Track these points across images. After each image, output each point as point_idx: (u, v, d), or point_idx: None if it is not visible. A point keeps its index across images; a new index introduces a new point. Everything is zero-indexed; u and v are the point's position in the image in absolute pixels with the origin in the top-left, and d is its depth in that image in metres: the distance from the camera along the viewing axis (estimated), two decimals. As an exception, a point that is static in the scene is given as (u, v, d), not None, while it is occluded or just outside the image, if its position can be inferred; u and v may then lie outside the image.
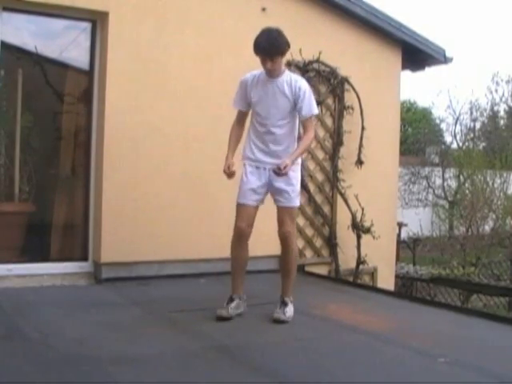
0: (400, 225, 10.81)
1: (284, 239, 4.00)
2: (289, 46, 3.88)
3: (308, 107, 3.90)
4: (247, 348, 3.44)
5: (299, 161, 4.01)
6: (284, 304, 3.98)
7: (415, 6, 36.45)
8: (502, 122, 18.31)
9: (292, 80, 3.91)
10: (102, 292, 4.79)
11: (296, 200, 4.02)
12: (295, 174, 3.97)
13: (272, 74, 3.88)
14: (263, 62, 3.82)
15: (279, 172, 3.73)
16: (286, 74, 3.95)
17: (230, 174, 3.90)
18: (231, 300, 3.98)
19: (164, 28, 5.29)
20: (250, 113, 4.08)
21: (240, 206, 3.94)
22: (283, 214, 3.98)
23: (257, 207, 3.99)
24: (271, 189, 3.97)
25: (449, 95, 20.75)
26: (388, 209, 6.70)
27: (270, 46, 3.77)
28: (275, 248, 5.83)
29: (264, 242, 5.70)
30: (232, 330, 3.74)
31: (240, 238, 3.96)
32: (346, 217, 6.19)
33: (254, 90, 3.95)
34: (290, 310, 3.98)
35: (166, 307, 4.27)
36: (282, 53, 3.84)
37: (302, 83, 3.93)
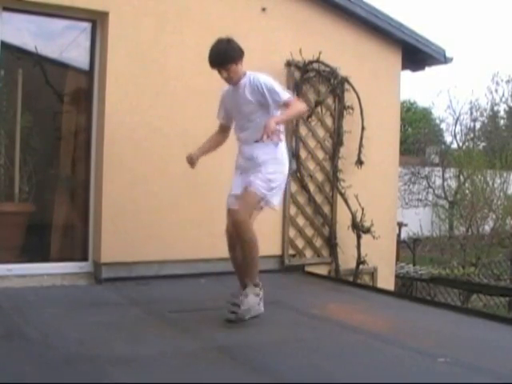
0: (400, 225, 10.81)
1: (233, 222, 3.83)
2: (242, 52, 3.86)
3: (277, 99, 3.78)
4: (247, 348, 3.44)
5: (278, 157, 3.88)
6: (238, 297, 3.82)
7: (415, 5, 36.48)
8: (501, 121, 18.32)
9: (251, 80, 3.84)
10: (102, 292, 4.79)
11: (261, 188, 3.79)
12: (269, 171, 3.82)
13: (230, 82, 3.90)
14: (219, 73, 3.86)
15: (267, 131, 3.58)
16: (246, 76, 3.88)
17: (190, 162, 4.01)
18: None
19: (164, 28, 5.30)
20: None
21: (227, 211, 3.95)
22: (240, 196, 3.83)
23: None
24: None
25: (449, 95, 20.73)
26: (388, 209, 6.70)
27: (217, 56, 3.81)
28: (275, 248, 5.89)
29: (264, 242, 5.69)
30: (232, 330, 3.73)
31: (229, 240, 3.95)
32: (346, 217, 6.19)
33: (227, 102, 4.03)
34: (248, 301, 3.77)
35: (165, 307, 4.27)
36: (233, 60, 3.81)
37: (260, 79, 3.82)
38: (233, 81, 3.89)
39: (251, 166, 3.87)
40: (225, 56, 3.80)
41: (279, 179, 3.91)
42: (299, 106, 3.88)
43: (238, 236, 3.81)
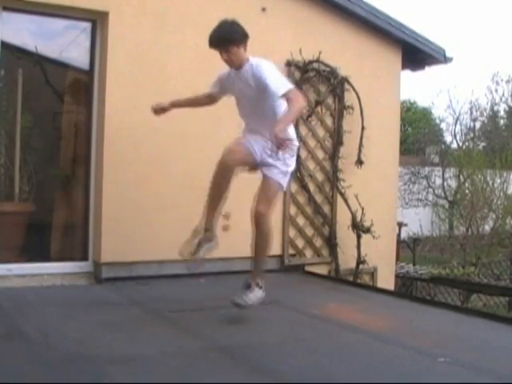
0: (400, 225, 10.81)
1: (254, 219, 3.81)
2: (245, 36, 3.82)
3: (277, 87, 3.63)
4: (247, 348, 3.44)
5: (293, 137, 3.81)
6: (248, 287, 3.87)
7: (415, 5, 36.47)
8: (502, 121, 18.34)
9: (253, 66, 3.77)
10: (102, 292, 4.79)
11: (281, 180, 3.84)
12: (287, 156, 3.82)
13: (231, 65, 3.84)
14: (220, 55, 3.80)
15: (278, 141, 3.43)
16: (250, 61, 3.82)
17: (155, 109, 4.12)
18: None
19: (164, 28, 5.30)
20: None
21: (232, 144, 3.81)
22: (261, 189, 3.82)
23: (248, 156, 3.81)
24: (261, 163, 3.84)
25: (449, 95, 20.78)
26: (388, 209, 6.70)
27: (219, 36, 3.76)
28: (275, 248, 5.87)
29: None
30: (232, 330, 3.74)
31: (223, 171, 3.75)
32: (346, 217, 6.19)
33: (227, 84, 3.95)
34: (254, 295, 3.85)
35: (165, 307, 4.27)
36: (235, 42, 3.75)
37: (263, 66, 3.73)
38: (234, 64, 3.83)
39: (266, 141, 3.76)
40: (226, 37, 3.76)
41: (293, 162, 3.96)
42: (299, 101, 3.68)
43: (257, 227, 3.80)
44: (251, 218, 3.84)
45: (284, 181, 3.89)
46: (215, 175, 3.78)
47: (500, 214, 12.02)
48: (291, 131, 3.83)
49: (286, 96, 3.65)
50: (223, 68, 5.43)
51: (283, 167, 3.85)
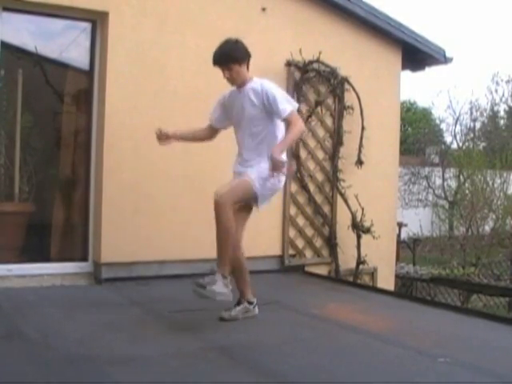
0: (400, 225, 10.81)
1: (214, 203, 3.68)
2: (247, 55, 3.87)
3: (283, 108, 3.74)
4: (247, 348, 3.44)
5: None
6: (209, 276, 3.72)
7: (415, 5, 36.49)
8: (502, 122, 18.33)
9: (258, 86, 3.82)
10: (102, 292, 4.79)
11: (255, 180, 3.76)
12: (258, 168, 3.79)
13: (232, 83, 3.90)
14: (222, 73, 3.86)
15: (274, 163, 3.57)
16: (253, 81, 3.88)
17: (159, 136, 4.14)
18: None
19: (164, 28, 5.30)
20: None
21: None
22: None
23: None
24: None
25: (449, 95, 20.80)
26: (388, 209, 6.70)
27: (221, 54, 3.82)
28: (275, 248, 5.88)
29: (264, 242, 5.72)
30: (232, 330, 3.74)
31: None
32: (346, 217, 6.19)
33: (228, 104, 4.00)
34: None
35: (165, 307, 4.27)
36: (237, 61, 3.80)
37: (269, 87, 3.81)
38: (236, 82, 3.88)
39: (248, 165, 3.84)
40: (228, 55, 3.81)
41: (275, 184, 3.85)
42: (299, 126, 3.77)
43: (216, 217, 3.66)
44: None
45: (258, 184, 3.77)
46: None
47: (500, 214, 12.02)
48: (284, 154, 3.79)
49: (288, 118, 3.76)
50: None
51: (260, 172, 3.76)
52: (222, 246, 3.72)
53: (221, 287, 3.62)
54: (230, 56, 3.81)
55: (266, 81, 3.88)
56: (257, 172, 3.78)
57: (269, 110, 3.78)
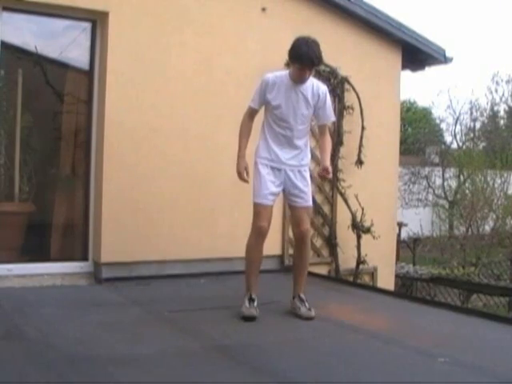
0: (400, 225, 10.82)
1: (303, 237, 4.09)
2: None
3: (330, 114, 4.08)
4: (247, 348, 3.44)
5: (308, 162, 4.17)
6: (304, 300, 4.12)
7: (415, 5, 36.48)
8: (502, 122, 18.32)
9: (315, 86, 3.99)
10: (102, 292, 4.79)
11: (311, 199, 4.16)
12: (308, 176, 4.12)
13: (302, 80, 3.94)
14: (301, 72, 3.88)
15: (325, 176, 4.05)
16: (310, 80, 3.99)
17: (245, 179, 4.01)
18: (253, 300, 4.00)
19: (164, 28, 5.29)
20: (265, 113, 4.09)
21: (260, 207, 3.96)
22: (302, 213, 4.08)
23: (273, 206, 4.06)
24: (291, 190, 4.04)
25: (449, 95, 20.80)
26: (388, 209, 6.70)
27: (316, 58, 3.86)
28: (275, 248, 5.88)
29: (264, 242, 5.69)
30: (232, 330, 3.74)
31: (261, 237, 4.00)
32: (346, 217, 6.19)
33: (276, 93, 3.96)
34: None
35: (165, 307, 4.27)
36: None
37: (325, 90, 4.03)
38: (304, 80, 3.95)
39: (292, 165, 4.02)
40: (320, 59, 3.91)
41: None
42: (329, 138, 4.23)
43: (305, 244, 4.10)
44: (296, 238, 4.16)
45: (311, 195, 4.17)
46: (252, 244, 4.03)
47: (500, 214, 12.02)
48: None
49: (328, 125, 4.15)
50: (222, 68, 5.47)
51: (309, 188, 4.11)
52: (307, 266, 4.22)
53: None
54: (321, 61, 3.94)
55: (320, 82, 4.10)
56: (310, 186, 4.11)
57: (317, 111, 3.99)
